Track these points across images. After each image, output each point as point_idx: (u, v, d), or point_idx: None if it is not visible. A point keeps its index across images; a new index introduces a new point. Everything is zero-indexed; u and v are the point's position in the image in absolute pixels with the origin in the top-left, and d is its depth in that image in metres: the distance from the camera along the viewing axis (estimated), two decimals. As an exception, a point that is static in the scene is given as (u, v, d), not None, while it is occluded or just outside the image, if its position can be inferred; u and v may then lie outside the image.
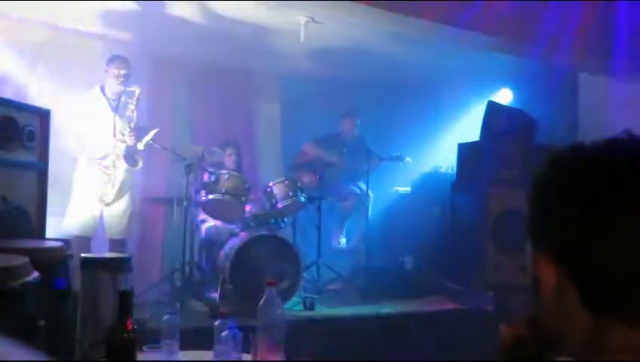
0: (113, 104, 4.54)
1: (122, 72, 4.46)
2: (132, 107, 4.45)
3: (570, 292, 0.79)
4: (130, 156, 4.45)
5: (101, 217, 4.51)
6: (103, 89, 4.55)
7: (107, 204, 4.46)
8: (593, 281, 0.78)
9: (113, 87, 4.49)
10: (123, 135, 4.43)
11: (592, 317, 0.78)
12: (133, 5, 4.61)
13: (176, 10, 4.69)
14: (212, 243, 4.80)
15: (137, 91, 4.45)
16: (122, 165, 4.46)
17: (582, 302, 0.79)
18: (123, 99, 4.54)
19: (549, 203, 0.83)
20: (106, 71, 4.51)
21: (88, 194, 4.44)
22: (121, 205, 4.55)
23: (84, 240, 4.38)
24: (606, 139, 0.81)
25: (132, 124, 4.44)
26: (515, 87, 6.15)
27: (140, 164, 4.52)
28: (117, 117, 4.52)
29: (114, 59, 4.51)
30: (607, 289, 0.77)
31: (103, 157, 4.44)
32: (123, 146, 4.44)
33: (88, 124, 4.47)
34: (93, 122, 4.48)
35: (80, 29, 5.10)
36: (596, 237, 0.77)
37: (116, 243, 4.50)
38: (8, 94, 4.34)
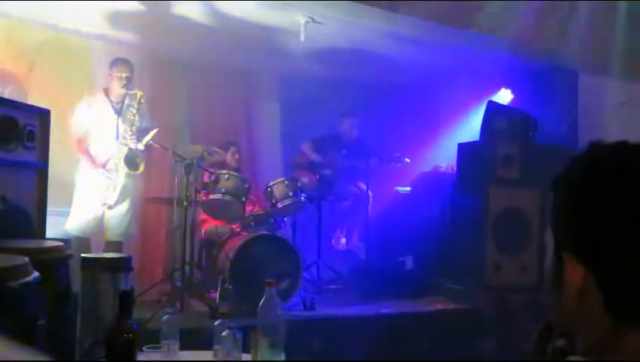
0: (117, 107, 4.56)
1: (125, 75, 4.48)
2: (134, 110, 4.46)
3: (595, 295, 0.78)
4: (131, 159, 4.46)
5: (102, 219, 4.52)
6: (106, 92, 4.57)
7: (110, 207, 4.48)
8: (620, 286, 0.77)
9: (116, 90, 4.52)
10: (125, 138, 4.45)
11: (613, 321, 0.77)
12: (132, 5, 4.60)
13: (176, 10, 4.68)
14: (212, 243, 4.80)
15: (139, 94, 4.46)
16: (124, 168, 4.47)
17: (605, 305, 0.78)
18: (127, 101, 4.56)
19: (582, 203, 0.80)
20: (110, 74, 4.54)
21: (91, 196, 4.46)
22: (123, 208, 4.57)
23: (84, 241, 4.40)
24: None
25: (134, 128, 4.45)
26: (515, 87, 6.14)
27: (142, 168, 4.52)
28: (120, 120, 4.53)
29: (116, 63, 4.53)
30: (633, 296, 0.76)
31: (107, 161, 4.45)
32: (125, 149, 4.45)
33: (92, 127, 4.50)
34: (98, 125, 4.50)
35: (80, 29, 5.09)
36: (628, 242, 0.75)
37: (113, 246, 4.50)
38: (8, 94, 4.35)
